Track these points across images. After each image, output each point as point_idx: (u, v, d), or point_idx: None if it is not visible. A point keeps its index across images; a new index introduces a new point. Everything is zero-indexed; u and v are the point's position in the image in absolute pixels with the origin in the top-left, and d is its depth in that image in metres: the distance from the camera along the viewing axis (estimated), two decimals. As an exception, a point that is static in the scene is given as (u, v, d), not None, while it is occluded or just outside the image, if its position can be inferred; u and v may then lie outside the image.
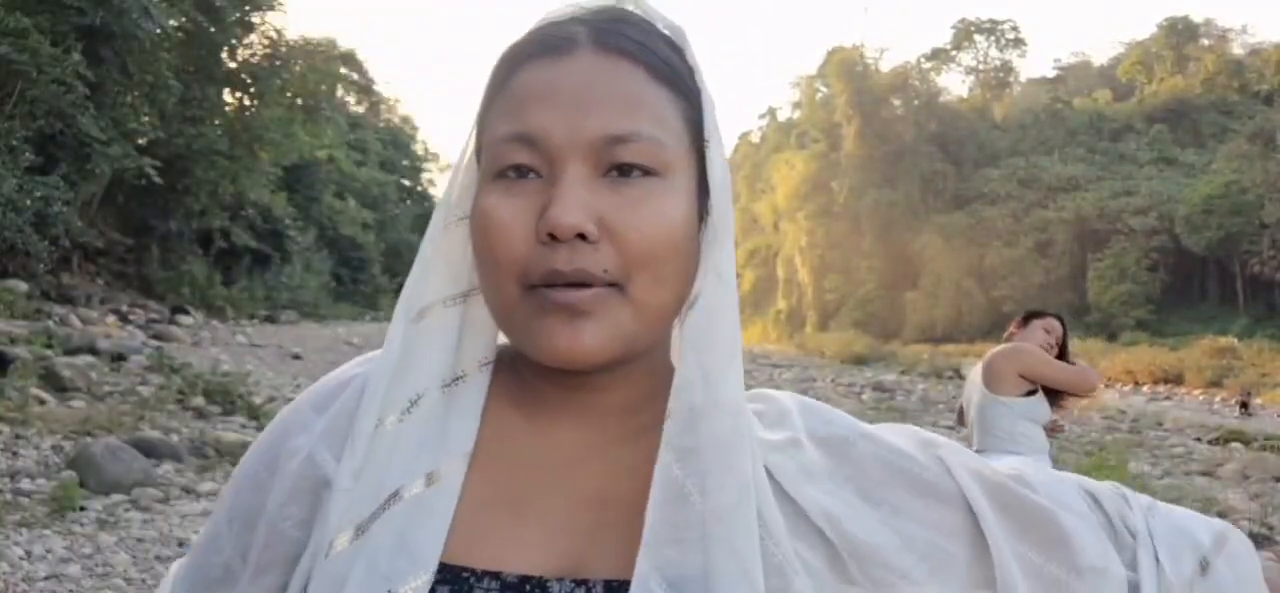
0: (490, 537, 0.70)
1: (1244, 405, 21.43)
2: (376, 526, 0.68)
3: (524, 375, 0.75)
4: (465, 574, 0.68)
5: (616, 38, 0.70)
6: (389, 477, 0.70)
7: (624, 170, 0.67)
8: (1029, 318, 4.40)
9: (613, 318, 0.66)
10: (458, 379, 0.74)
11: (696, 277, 0.70)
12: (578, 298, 0.65)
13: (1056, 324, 4.35)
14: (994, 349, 4.26)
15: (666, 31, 0.73)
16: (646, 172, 0.67)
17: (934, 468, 0.75)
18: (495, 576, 0.68)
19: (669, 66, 0.71)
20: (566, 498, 0.72)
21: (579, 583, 0.69)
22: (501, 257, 0.67)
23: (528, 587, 0.68)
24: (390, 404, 0.71)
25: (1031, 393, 4.13)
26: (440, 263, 0.74)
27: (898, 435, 0.78)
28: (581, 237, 0.65)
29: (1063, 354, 4.28)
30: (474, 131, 0.74)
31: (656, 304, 0.68)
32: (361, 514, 0.69)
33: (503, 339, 0.75)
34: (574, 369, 0.68)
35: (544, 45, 0.70)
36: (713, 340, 0.69)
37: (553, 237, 0.65)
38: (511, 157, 0.68)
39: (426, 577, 0.67)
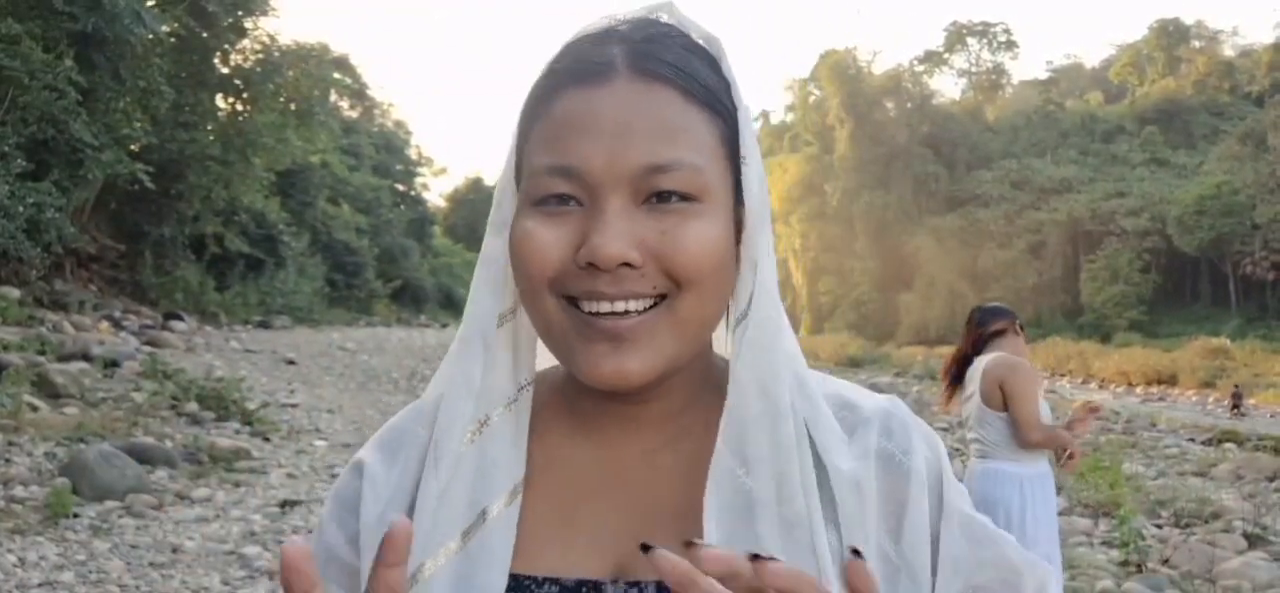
0: (547, 547, 0.72)
1: (1236, 405, 21.54)
2: (471, 545, 0.71)
3: (567, 392, 0.77)
4: (527, 581, 0.71)
5: (653, 61, 0.69)
6: (476, 495, 0.72)
7: (663, 197, 0.67)
8: (998, 323, 4.27)
9: (656, 342, 0.68)
10: (515, 398, 0.75)
11: (741, 289, 0.71)
12: (623, 326, 0.67)
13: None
14: (990, 358, 4.18)
15: (702, 42, 0.73)
16: (685, 197, 0.68)
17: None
18: (555, 581, 0.71)
19: (705, 87, 0.70)
20: (616, 508, 0.74)
21: (632, 585, 0.71)
22: (536, 273, 0.68)
23: (584, 589, 0.71)
24: (470, 422, 0.73)
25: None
26: (499, 278, 0.75)
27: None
28: (627, 265, 0.66)
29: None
30: (513, 146, 0.75)
31: (698, 321, 0.70)
32: (451, 534, 0.71)
33: (542, 356, 0.77)
34: (618, 392, 0.70)
35: (581, 72, 0.70)
36: (769, 352, 0.71)
37: (593, 265, 0.66)
38: (552, 187, 0.68)
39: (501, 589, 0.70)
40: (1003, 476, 4.01)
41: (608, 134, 0.67)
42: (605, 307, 0.67)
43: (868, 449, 0.74)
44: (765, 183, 0.73)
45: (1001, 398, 4.06)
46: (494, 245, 0.74)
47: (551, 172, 0.68)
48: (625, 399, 0.73)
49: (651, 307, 0.68)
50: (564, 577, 0.71)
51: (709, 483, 0.69)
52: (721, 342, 0.80)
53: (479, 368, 0.74)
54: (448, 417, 0.73)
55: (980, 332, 4.29)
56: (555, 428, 0.77)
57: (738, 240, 0.72)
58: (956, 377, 4.34)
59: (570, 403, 0.77)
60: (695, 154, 0.68)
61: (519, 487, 0.73)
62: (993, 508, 3.93)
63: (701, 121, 0.69)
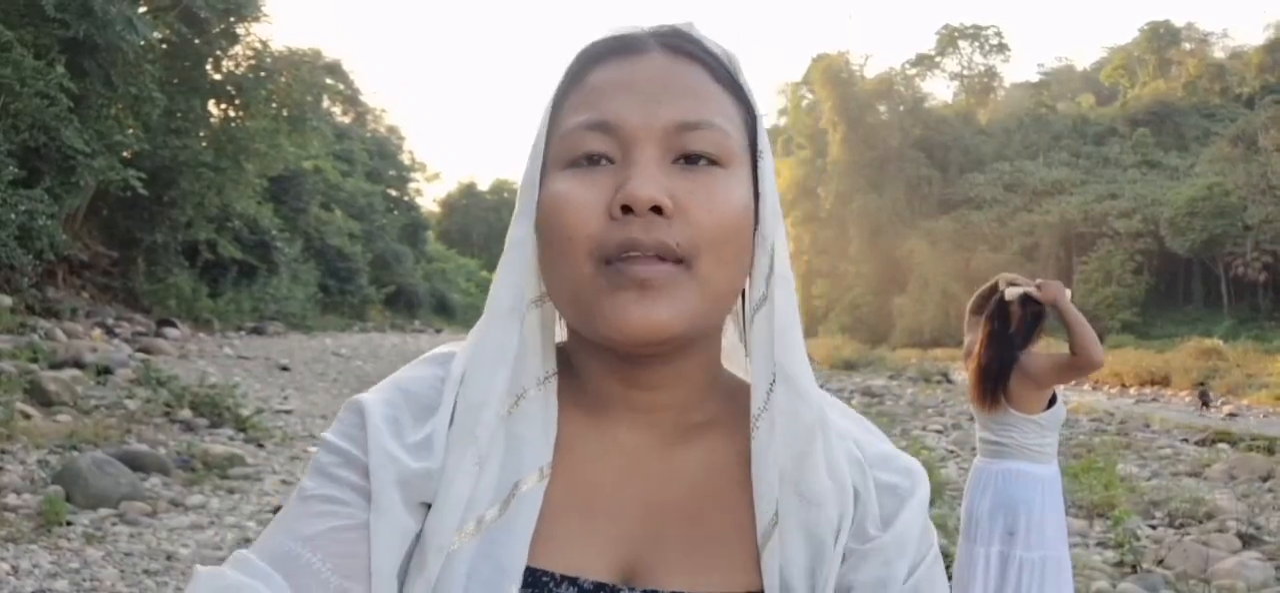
0: (566, 541, 0.72)
1: (1204, 404, 21.78)
2: (495, 526, 0.71)
3: (584, 377, 0.78)
4: (546, 578, 0.71)
5: (684, 42, 0.75)
6: (505, 472, 0.72)
7: (692, 159, 0.71)
8: (993, 302, 4.15)
9: (682, 295, 0.69)
10: (545, 379, 0.76)
11: (756, 276, 0.74)
12: (652, 273, 0.68)
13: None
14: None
15: (721, 55, 0.77)
16: (712, 161, 0.71)
17: None
18: (573, 581, 0.71)
19: (729, 74, 0.75)
20: (630, 504, 0.75)
21: None
22: (575, 232, 0.69)
23: None
24: (506, 396, 0.73)
25: (1052, 401, 4.04)
26: (526, 263, 0.75)
27: None
28: (657, 210, 0.68)
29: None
30: (542, 129, 0.76)
31: (720, 284, 0.71)
32: (486, 506, 0.71)
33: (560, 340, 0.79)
34: (644, 345, 0.70)
35: (618, 46, 0.75)
36: (787, 338, 0.73)
37: (627, 210, 0.68)
38: (587, 144, 0.71)
39: (518, 579, 0.70)
40: (1027, 477, 3.93)
41: (643, 93, 0.71)
42: (637, 255, 0.68)
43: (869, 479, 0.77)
44: (775, 180, 0.77)
45: (1029, 401, 3.98)
46: (520, 231, 0.75)
47: (587, 127, 0.71)
48: (641, 383, 0.75)
49: (676, 266, 0.69)
50: (582, 578, 0.71)
51: (756, 491, 0.72)
52: (728, 353, 0.82)
53: (514, 341, 0.74)
54: (481, 389, 0.73)
55: (1022, 316, 4.06)
56: (574, 413, 0.77)
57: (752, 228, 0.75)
58: (1000, 376, 4.05)
59: (582, 390, 0.77)
60: (723, 120, 0.72)
61: (547, 469, 0.73)
62: (1015, 509, 3.89)
63: (727, 98, 0.74)
